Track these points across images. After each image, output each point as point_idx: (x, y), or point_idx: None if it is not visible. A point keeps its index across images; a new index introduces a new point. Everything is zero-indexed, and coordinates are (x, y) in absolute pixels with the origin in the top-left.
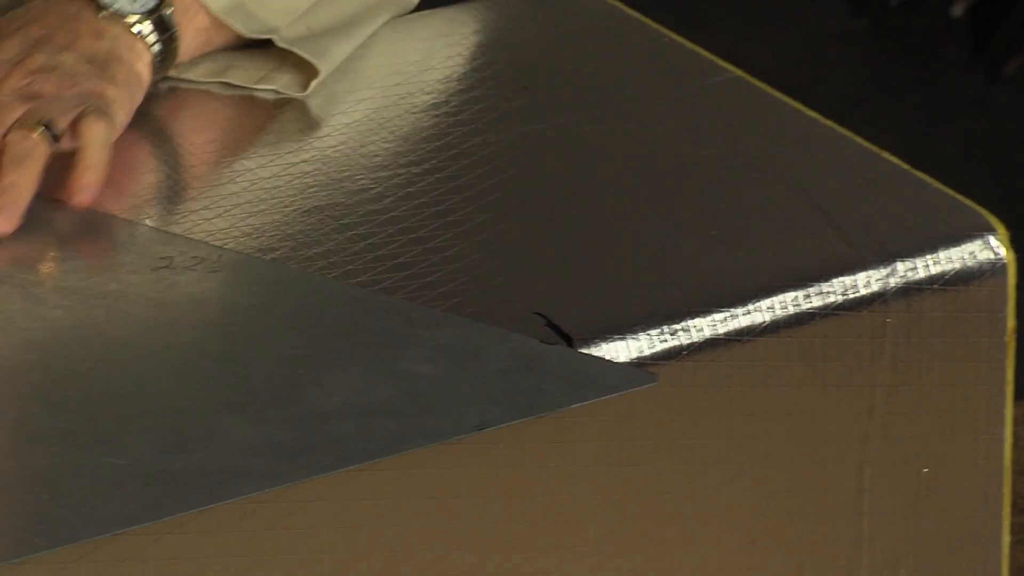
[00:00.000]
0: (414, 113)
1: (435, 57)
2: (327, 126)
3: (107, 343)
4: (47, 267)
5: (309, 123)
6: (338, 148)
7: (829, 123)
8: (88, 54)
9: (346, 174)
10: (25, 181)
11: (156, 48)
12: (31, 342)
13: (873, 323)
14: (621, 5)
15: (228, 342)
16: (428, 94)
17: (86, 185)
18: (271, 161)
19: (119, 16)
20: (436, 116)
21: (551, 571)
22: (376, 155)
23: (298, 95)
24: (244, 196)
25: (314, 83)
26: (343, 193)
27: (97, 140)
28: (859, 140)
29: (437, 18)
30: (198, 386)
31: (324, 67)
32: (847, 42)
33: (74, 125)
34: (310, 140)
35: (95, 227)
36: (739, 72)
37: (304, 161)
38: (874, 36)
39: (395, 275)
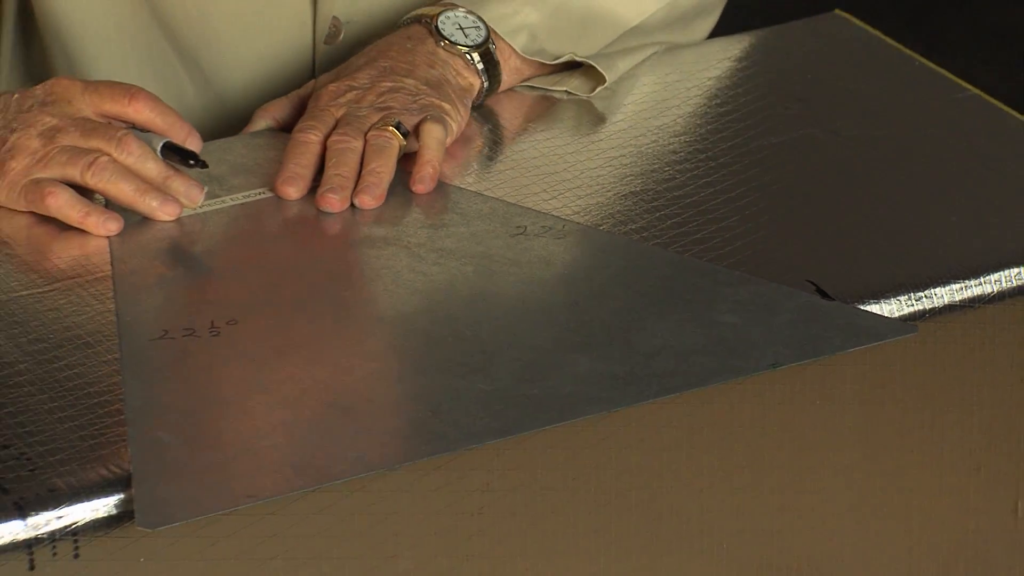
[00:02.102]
0: (710, 118)
1: (728, 74)
2: (643, 127)
3: (476, 293)
4: (426, 233)
5: (628, 125)
6: (650, 146)
7: None
8: (424, 78)
9: (656, 166)
10: (384, 167)
11: (484, 77)
12: (415, 290)
13: None
14: (880, 34)
15: (571, 294)
16: (722, 104)
17: (424, 177)
18: (596, 155)
19: (455, 45)
20: (728, 120)
21: (813, 489)
22: (679, 151)
23: (585, 96)
24: (574, 183)
25: (599, 88)
26: (654, 181)
27: (434, 140)
28: None
29: (729, 43)
30: (548, 329)
31: (610, 77)
32: None
33: (416, 128)
34: (628, 139)
35: (464, 203)
36: (976, 90)
37: (623, 155)
38: None
39: (695, 247)
